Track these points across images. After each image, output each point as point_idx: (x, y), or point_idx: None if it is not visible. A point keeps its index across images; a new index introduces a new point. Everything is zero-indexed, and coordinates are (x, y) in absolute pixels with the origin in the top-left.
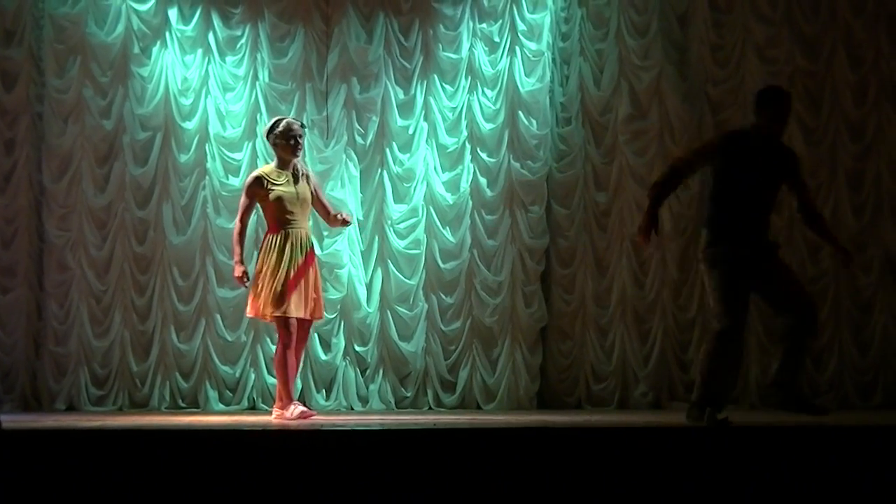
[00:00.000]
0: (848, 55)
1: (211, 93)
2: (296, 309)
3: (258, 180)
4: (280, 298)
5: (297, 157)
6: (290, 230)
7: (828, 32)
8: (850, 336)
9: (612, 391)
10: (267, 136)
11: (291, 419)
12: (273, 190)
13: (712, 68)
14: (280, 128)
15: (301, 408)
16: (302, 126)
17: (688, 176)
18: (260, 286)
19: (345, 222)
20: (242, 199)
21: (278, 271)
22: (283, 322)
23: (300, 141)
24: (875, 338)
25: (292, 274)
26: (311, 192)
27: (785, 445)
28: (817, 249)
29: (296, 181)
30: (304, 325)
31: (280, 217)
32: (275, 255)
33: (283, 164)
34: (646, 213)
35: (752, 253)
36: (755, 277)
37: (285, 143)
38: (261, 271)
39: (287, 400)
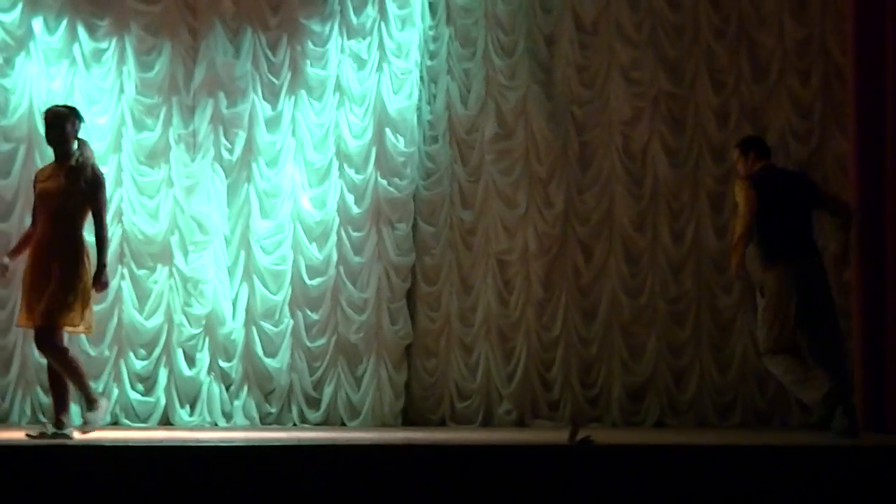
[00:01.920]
0: (711, 78)
1: (76, 105)
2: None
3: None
4: None
5: None
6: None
7: (691, 55)
8: (710, 356)
9: (476, 409)
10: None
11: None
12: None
13: (578, 89)
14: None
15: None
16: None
17: None
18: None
19: None
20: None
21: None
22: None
23: None
24: (735, 358)
25: None
26: None
27: (647, 464)
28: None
29: None
30: None
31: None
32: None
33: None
34: (739, 262)
35: None
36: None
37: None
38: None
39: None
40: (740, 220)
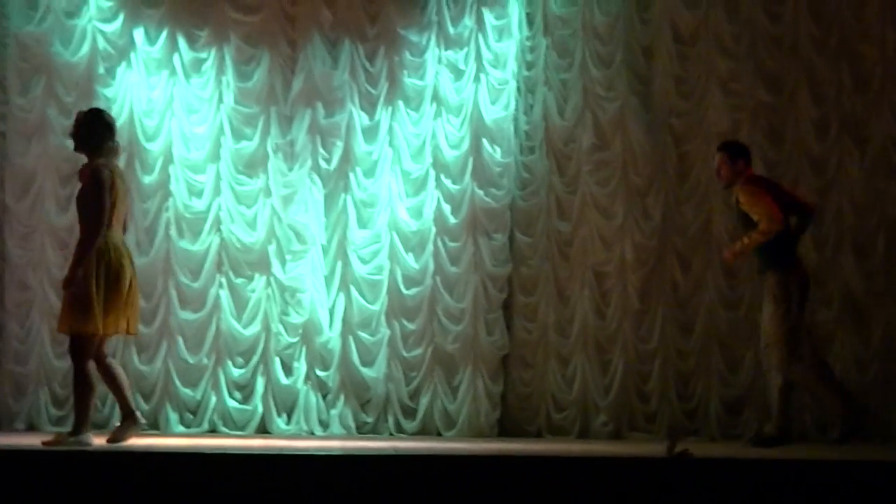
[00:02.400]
0: (810, 90)
1: (175, 115)
2: None
3: None
4: None
5: None
6: None
7: (791, 68)
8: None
9: (572, 420)
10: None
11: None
12: None
13: (676, 100)
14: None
15: None
16: None
17: None
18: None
19: None
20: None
21: None
22: None
23: None
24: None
25: None
26: None
27: (746, 478)
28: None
29: None
30: None
31: None
32: None
33: None
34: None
35: None
36: None
37: None
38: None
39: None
40: (765, 227)
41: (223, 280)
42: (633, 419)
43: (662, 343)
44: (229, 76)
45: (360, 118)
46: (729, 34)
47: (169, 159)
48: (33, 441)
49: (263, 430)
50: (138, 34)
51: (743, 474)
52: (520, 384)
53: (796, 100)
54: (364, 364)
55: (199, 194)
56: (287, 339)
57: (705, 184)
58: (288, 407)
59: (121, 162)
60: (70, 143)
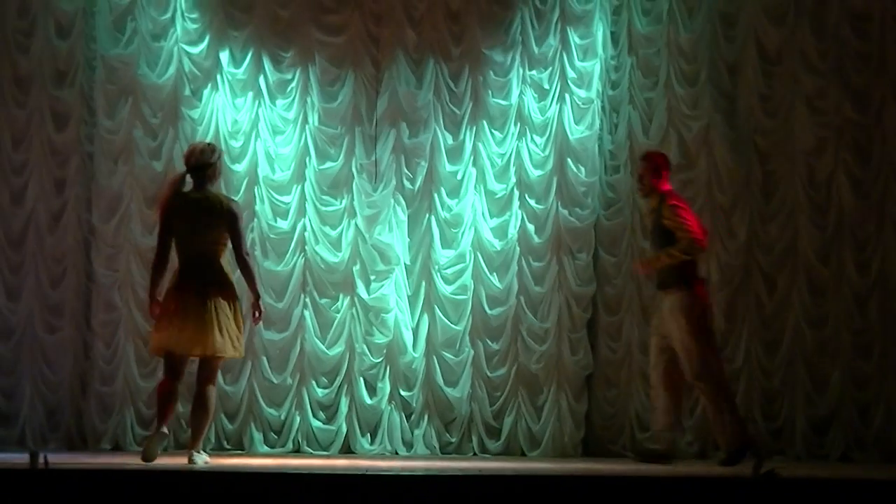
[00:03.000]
0: None
1: (261, 136)
2: None
3: None
4: None
5: None
6: None
7: (877, 83)
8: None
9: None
10: (212, 163)
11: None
12: None
13: (761, 118)
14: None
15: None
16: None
17: None
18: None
19: None
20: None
21: None
22: None
23: None
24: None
25: None
26: None
27: (833, 498)
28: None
29: None
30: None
31: None
32: None
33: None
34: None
35: None
36: None
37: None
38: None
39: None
40: (686, 247)
41: (307, 300)
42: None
43: (747, 362)
44: (314, 97)
45: (445, 138)
46: (815, 50)
47: (254, 180)
48: (120, 461)
49: (347, 449)
50: (224, 56)
51: (830, 495)
52: (604, 403)
53: (883, 117)
54: (448, 384)
55: (284, 215)
56: (371, 359)
57: (791, 202)
58: (372, 427)
59: None
60: (156, 165)
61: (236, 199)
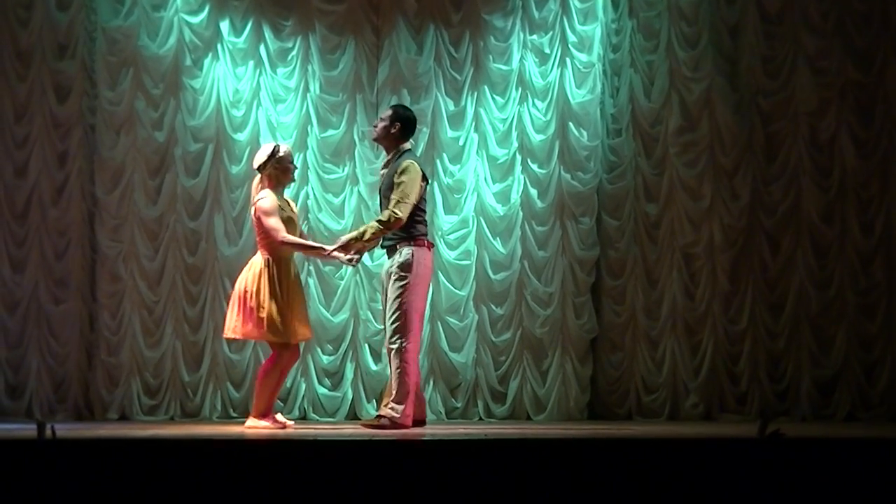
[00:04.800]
0: None
1: (262, 104)
2: (303, 332)
3: (277, 205)
4: (290, 324)
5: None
6: (288, 255)
7: (879, 43)
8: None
9: (662, 403)
10: (266, 163)
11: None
12: (284, 213)
13: (763, 80)
14: (281, 153)
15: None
16: None
17: None
18: (266, 310)
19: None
20: (275, 221)
21: (287, 297)
22: (286, 345)
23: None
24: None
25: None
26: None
27: (839, 458)
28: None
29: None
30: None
31: None
32: (284, 280)
33: (279, 190)
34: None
35: None
36: None
37: (286, 168)
38: (266, 295)
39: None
40: (398, 213)
41: (311, 268)
42: (724, 400)
43: (752, 324)
44: (315, 65)
45: (446, 104)
46: (816, 11)
47: (256, 149)
48: (127, 430)
49: (353, 416)
50: (224, 25)
51: (836, 454)
52: (609, 367)
53: (885, 77)
54: (453, 349)
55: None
56: (376, 325)
57: (794, 163)
58: (377, 393)
59: (208, 153)
60: (158, 136)
61: (238, 168)
